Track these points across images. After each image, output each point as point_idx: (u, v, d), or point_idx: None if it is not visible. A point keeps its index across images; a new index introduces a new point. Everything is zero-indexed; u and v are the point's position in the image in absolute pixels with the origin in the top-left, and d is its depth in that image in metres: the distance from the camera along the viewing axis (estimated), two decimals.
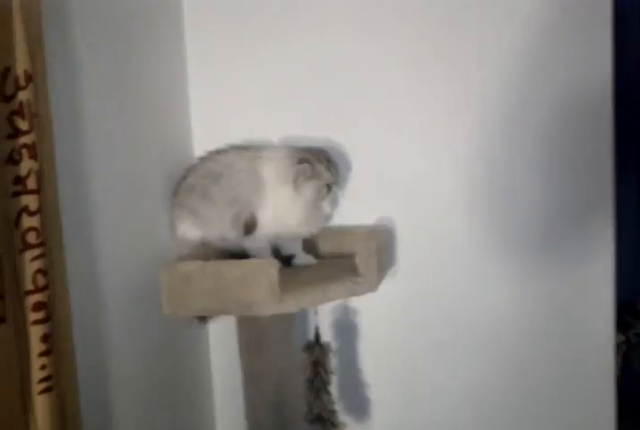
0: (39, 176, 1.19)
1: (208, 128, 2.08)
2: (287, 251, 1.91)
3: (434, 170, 2.03)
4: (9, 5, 1.14)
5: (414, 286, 2.07)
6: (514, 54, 1.97)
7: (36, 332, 1.20)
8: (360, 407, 2.15)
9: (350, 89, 2.02)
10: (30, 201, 1.18)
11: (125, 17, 1.72)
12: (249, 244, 1.83)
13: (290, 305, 1.64)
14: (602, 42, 1.95)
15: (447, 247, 2.05)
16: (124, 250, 1.66)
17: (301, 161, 1.79)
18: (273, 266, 1.61)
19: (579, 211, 2.02)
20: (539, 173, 2.02)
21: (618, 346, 2.32)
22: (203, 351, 2.13)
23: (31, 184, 1.18)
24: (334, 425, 1.90)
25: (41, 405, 1.21)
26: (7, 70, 1.13)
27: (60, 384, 1.25)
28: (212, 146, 1.92)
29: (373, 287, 1.79)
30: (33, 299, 1.20)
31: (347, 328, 2.11)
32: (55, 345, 1.24)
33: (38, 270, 1.20)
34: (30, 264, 1.19)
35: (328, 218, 1.88)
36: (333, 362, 1.94)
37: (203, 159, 1.90)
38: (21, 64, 1.15)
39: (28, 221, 1.18)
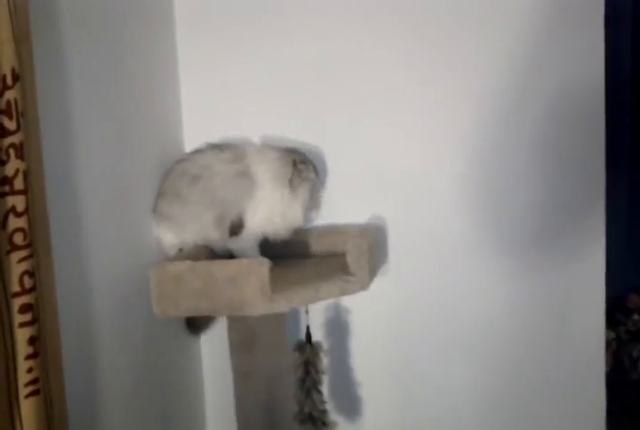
0: (27, 176, 1.17)
1: (199, 128, 2.06)
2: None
3: (427, 169, 2.03)
4: None
5: (406, 284, 2.07)
6: (510, 54, 1.97)
7: (22, 335, 1.18)
8: (352, 406, 2.15)
9: (343, 87, 2.02)
10: (18, 201, 1.16)
11: (115, 15, 1.70)
12: (236, 244, 1.83)
13: (281, 305, 1.63)
14: (595, 44, 1.96)
15: (440, 246, 2.05)
16: (112, 251, 1.65)
17: (296, 163, 1.82)
18: (264, 266, 1.60)
19: (571, 210, 2.03)
20: (532, 172, 2.02)
21: (609, 342, 2.34)
22: (193, 351, 2.12)
23: (18, 184, 1.16)
24: (325, 424, 1.90)
25: (28, 408, 1.19)
26: None
27: (47, 387, 1.24)
28: (202, 143, 1.91)
29: (364, 285, 1.78)
30: (20, 301, 1.18)
31: (338, 327, 2.11)
32: (41, 348, 1.22)
33: (25, 272, 1.18)
34: (17, 266, 1.17)
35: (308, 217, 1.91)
36: (325, 361, 1.93)
37: (177, 162, 1.89)
38: (8, 63, 1.12)
39: (15, 222, 1.16)
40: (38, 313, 1.21)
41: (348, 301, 2.07)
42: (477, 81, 1.98)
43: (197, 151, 1.91)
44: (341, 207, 2.04)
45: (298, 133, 2.01)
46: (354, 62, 2.00)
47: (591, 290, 2.05)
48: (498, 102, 1.99)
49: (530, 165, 2.01)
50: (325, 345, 1.97)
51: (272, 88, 2.03)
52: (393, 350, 2.12)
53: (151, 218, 1.86)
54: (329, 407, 1.94)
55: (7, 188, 1.15)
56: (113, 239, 1.65)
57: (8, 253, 1.16)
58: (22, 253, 1.18)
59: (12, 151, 1.15)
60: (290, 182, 1.81)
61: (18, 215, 1.17)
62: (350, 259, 1.77)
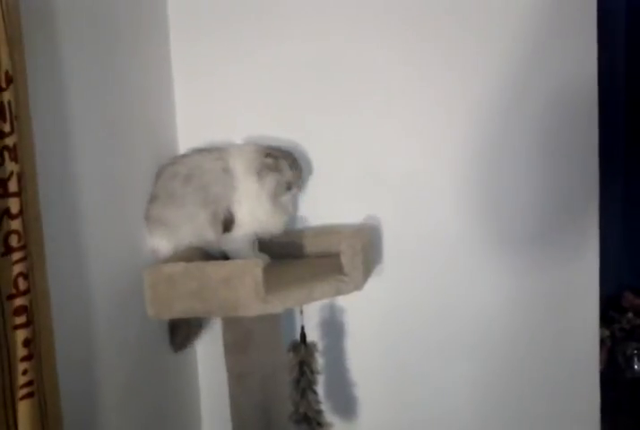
0: (21, 178, 1.17)
1: (193, 130, 2.06)
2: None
3: (423, 169, 2.03)
4: None
5: (400, 285, 2.07)
6: (507, 55, 1.98)
7: (18, 337, 1.18)
8: (347, 407, 2.15)
9: (338, 87, 2.02)
10: (12, 203, 1.16)
11: (109, 16, 1.70)
12: (229, 245, 1.83)
13: (276, 306, 1.63)
14: (588, 45, 1.97)
15: (434, 246, 2.06)
16: (107, 252, 1.64)
17: (267, 155, 1.82)
18: (258, 266, 1.60)
19: (565, 210, 2.04)
20: (528, 172, 2.02)
21: (603, 340, 2.34)
22: (188, 352, 2.11)
23: (13, 186, 1.16)
24: (320, 425, 1.90)
25: (22, 411, 1.19)
26: None
27: (41, 390, 1.23)
28: (196, 145, 1.91)
29: (359, 286, 1.78)
30: (15, 303, 1.18)
31: (333, 327, 2.11)
32: (36, 350, 1.22)
33: (20, 274, 1.18)
34: (12, 268, 1.17)
35: (289, 219, 1.89)
36: (320, 362, 1.94)
37: (165, 166, 1.89)
38: (1, 66, 1.12)
39: (9, 224, 1.16)
40: (32, 316, 1.21)
41: (342, 301, 2.08)
42: (475, 81, 1.99)
43: (184, 155, 1.93)
44: (335, 207, 2.05)
45: (294, 134, 2.02)
46: (350, 62, 2.00)
47: (585, 289, 2.05)
48: (496, 102, 1.99)
49: (525, 164, 2.02)
50: (320, 345, 1.97)
51: (267, 88, 2.03)
52: (388, 350, 2.12)
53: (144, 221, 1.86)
54: (324, 407, 1.95)
55: (1, 190, 1.15)
56: (108, 241, 1.65)
57: (3, 255, 1.16)
58: (17, 255, 1.18)
59: (6, 154, 1.15)
60: (258, 173, 1.81)
61: (12, 217, 1.17)
62: (344, 259, 1.77)
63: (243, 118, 2.03)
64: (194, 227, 1.83)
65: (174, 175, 1.85)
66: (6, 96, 1.14)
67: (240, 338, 1.77)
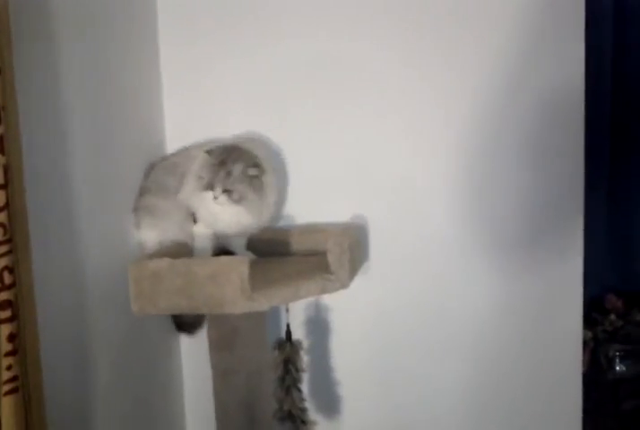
0: (7, 170, 1.16)
1: (180, 127, 2.06)
2: (231, 248, 1.90)
3: (411, 169, 2.04)
4: None
5: (387, 283, 2.08)
6: (499, 57, 1.99)
7: (2, 331, 1.17)
8: (331, 405, 2.14)
9: (327, 86, 2.02)
10: None
11: (99, 13, 1.69)
12: (197, 238, 1.83)
13: (261, 303, 1.62)
14: (575, 48, 1.98)
15: (420, 245, 2.06)
16: (94, 247, 1.64)
17: (206, 151, 1.77)
18: (244, 264, 1.59)
19: (549, 212, 2.04)
20: (513, 173, 2.03)
21: (586, 342, 2.35)
22: (173, 348, 2.12)
23: None
24: (304, 422, 1.91)
25: (6, 407, 1.18)
26: None
27: (25, 385, 1.22)
28: (184, 143, 1.91)
29: (345, 284, 1.77)
30: (0, 297, 1.17)
31: (319, 325, 2.11)
32: (21, 345, 1.21)
33: (5, 268, 1.17)
34: None
35: (228, 223, 1.81)
36: (305, 360, 1.94)
37: (157, 161, 1.91)
38: None
39: None
40: (17, 310, 1.20)
41: (328, 300, 2.07)
42: (466, 82, 1.99)
43: (178, 150, 1.93)
44: (323, 205, 2.05)
45: (284, 132, 2.02)
46: (344, 61, 2.00)
47: (569, 290, 2.06)
48: (485, 103, 2.00)
49: (514, 166, 2.02)
50: (305, 343, 1.97)
51: (257, 87, 2.03)
52: (373, 349, 2.12)
53: (132, 214, 1.85)
54: (309, 405, 1.95)
55: None
56: (95, 235, 1.64)
57: None
58: (2, 249, 1.17)
59: None
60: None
61: None
62: (330, 257, 1.77)
63: (231, 116, 2.03)
64: (179, 216, 1.82)
65: (165, 166, 1.87)
66: None
67: (225, 335, 1.76)
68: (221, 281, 1.58)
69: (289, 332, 1.90)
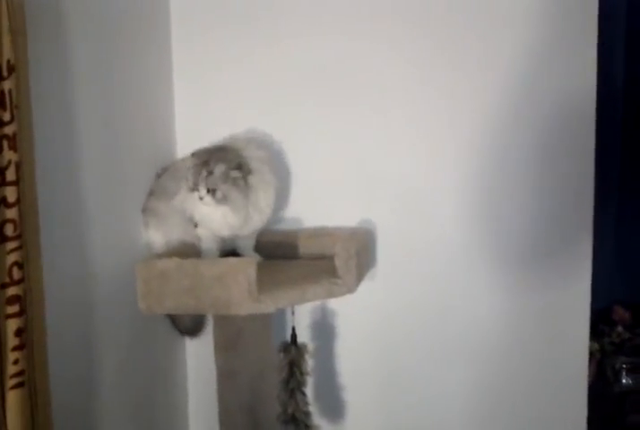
0: (19, 167, 1.18)
1: (191, 127, 2.07)
2: (239, 250, 1.90)
3: (420, 175, 2.04)
4: None
5: (393, 289, 2.08)
6: (509, 66, 1.99)
7: (10, 326, 1.19)
8: (335, 409, 2.14)
9: (339, 89, 2.03)
10: (9, 192, 1.17)
11: (113, 11, 1.71)
12: (201, 241, 1.83)
13: (268, 305, 1.63)
14: (588, 58, 1.97)
15: (428, 251, 2.06)
16: (103, 244, 1.65)
17: (192, 153, 1.76)
18: (252, 265, 1.60)
19: (559, 223, 2.04)
20: (524, 184, 2.03)
21: (592, 354, 2.34)
22: (178, 349, 2.12)
23: (10, 175, 1.17)
24: (308, 426, 1.90)
25: (12, 400, 1.19)
26: None
27: (32, 380, 1.24)
28: (194, 145, 1.91)
29: (351, 288, 1.77)
30: (8, 292, 1.18)
31: (324, 329, 2.11)
32: (28, 340, 1.22)
33: (15, 263, 1.19)
34: (7, 257, 1.18)
35: (218, 224, 1.79)
36: (310, 363, 1.93)
37: (167, 165, 1.93)
38: (4, 55, 1.13)
39: (6, 213, 1.17)
40: (25, 305, 1.21)
41: (334, 304, 2.08)
42: (475, 86, 2.00)
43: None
44: (331, 209, 2.05)
45: (293, 135, 2.03)
46: (352, 63, 2.01)
47: (576, 301, 2.06)
48: (494, 109, 2.00)
49: (523, 179, 2.02)
50: (311, 347, 1.96)
51: (266, 89, 2.04)
52: (378, 354, 2.12)
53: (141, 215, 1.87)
54: (312, 409, 1.95)
55: None
56: (105, 233, 1.66)
57: None
58: (12, 245, 1.18)
59: (5, 142, 1.16)
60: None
61: (9, 206, 1.18)
62: (338, 262, 1.77)
63: (241, 118, 2.03)
64: (180, 219, 1.83)
65: (169, 171, 1.89)
66: (7, 85, 1.15)
67: (231, 336, 1.77)
68: (228, 282, 1.59)
69: (294, 335, 1.90)
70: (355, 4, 2.00)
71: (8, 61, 1.14)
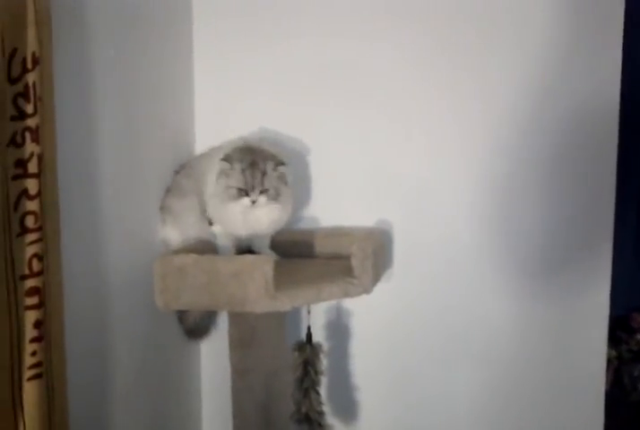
0: (41, 159, 1.19)
1: (211, 122, 2.08)
2: (255, 248, 1.89)
3: (438, 177, 2.04)
4: None
5: (409, 290, 2.07)
6: (527, 69, 1.98)
7: (29, 318, 1.19)
8: (348, 410, 2.14)
9: (357, 90, 2.03)
10: (31, 184, 1.18)
11: (136, 8, 1.72)
12: (218, 238, 1.83)
13: (284, 303, 1.63)
14: (612, 63, 1.96)
15: (445, 254, 2.06)
16: (122, 240, 1.66)
17: (224, 159, 1.75)
18: (269, 263, 1.60)
19: (579, 228, 2.03)
20: (543, 189, 2.02)
21: (610, 361, 2.33)
22: (193, 346, 2.12)
23: (32, 167, 1.18)
24: (321, 426, 1.89)
25: (29, 391, 1.20)
26: (15, 51, 1.13)
27: (49, 371, 1.24)
28: (213, 139, 1.93)
29: (367, 289, 1.77)
30: (28, 284, 1.19)
31: (339, 329, 2.11)
32: (46, 332, 1.23)
33: (35, 255, 1.19)
34: (27, 248, 1.18)
35: (263, 224, 1.80)
36: (324, 363, 1.93)
37: (185, 163, 1.94)
38: (29, 47, 1.14)
39: (27, 205, 1.18)
40: (44, 297, 1.22)
41: (350, 304, 2.08)
42: (494, 91, 1.99)
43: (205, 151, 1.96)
44: (347, 209, 2.06)
45: (309, 134, 2.04)
46: (370, 66, 2.01)
47: (595, 308, 2.05)
48: (513, 115, 1.99)
49: (541, 182, 2.02)
50: (325, 347, 1.96)
51: (286, 89, 2.04)
52: (392, 355, 2.12)
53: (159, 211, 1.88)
54: (326, 409, 1.94)
55: (21, 171, 1.17)
56: (123, 228, 1.67)
57: (19, 235, 1.17)
58: (33, 237, 1.19)
59: (27, 134, 1.17)
60: (217, 175, 1.75)
61: (30, 198, 1.18)
62: (354, 262, 1.77)
63: (260, 117, 2.04)
64: (194, 217, 1.84)
65: (185, 168, 1.90)
66: (31, 77, 1.15)
67: (246, 334, 1.77)
68: (245, 280, 1.59)
69: (309, 334, 1.90)
70: (376, 3, 2.00)
71: (33, 53, 1.14)
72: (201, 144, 2.05)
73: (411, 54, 2.00)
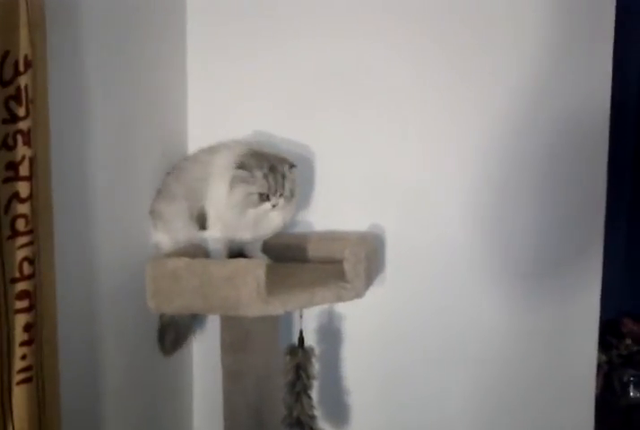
0: (32, 163, 1.18)
1: (203, 123, 2.07)
2: (246, 251, 1.89)
3: (432, 182, 2.04)
4: None
5: (402, 295, 2.07)
6: (521, 75, 1.99)
7: (19, 321, 1.19)
8: (339, 414, 2.14)
9: (351, 94, 2.02)
10: (22, 187, 1.17)
11: (129, 10, 1.72)
12: (208, 243, 1.81)
13: (276, 307, 1.63)
14: (603, 70, 1.97)
15: (437, 259, 2.06)
16: (114, 243, 1.66)
17: (240, 166, 1.74)
18: (261, 267, 1.60)
19: (569, 233, 2.03)
20: (535, 194, 2.03)
21: (600, 365, 2.33)
22: (185, 349, 2.11)
23: (24, 170, 1.17)
24: None
25: (19, 395, 1.19)
26: (7, 54, 1.12)
27: (40, 375, 1.24)
28: (206, 142, 1.92)
29: (360, 293, 1.77)
30: (18, 287, 1.18)
31: (331, 334, 2.11)
32: (37, 335, 1.22)
33: (25, 259, 1.19)
34: (18, 252, 1.18)
35: (274, 226, 1.82)
36: (316, 367, 1.93)
37: (175, 164, 1.91)
38: (21, 50, 1.14)
39: (18, 208, 1.17)
40: (35, 301, 1.21)
41: (342, 308, 2.07)
42: (487, 94, 1.99)
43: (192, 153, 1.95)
44: (341, 213, 2.05)
45: (303, 137, 2.03)
46: (364, 70, 2.01)
47: (585, 313, 2.05)
48: (507, 116, 2.00)
49: (533, 184, 2.02)
50: (317, 351, 1.96)
51: (280, 93, 2.04)
52: (384, 360, 2.11)
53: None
54: (317, 413, 1.94)
55: (12, 174, 1.16)
56: (116, 231, 1.67)
57: (9, 238, 1.17)
58: (23, 240, 1.18)
59: (19, 137, 1.16)
60: (230, 182, 1.75)
61: (21, 201, 1.17)
62: (347, 266, 1.76)
63: (253, 120, 2.04)
64: (183, 222, 1.82)
65: (174, 171, 1.87)
66: (24, 80, 1.15)
67: (238, 337, 1.76)
68: (238, 283, 1.59)
69: (301, 338, 1.90)
70: (372, 5, 2.00)
71: (25, 56, 1.14)
72: (194, 147, 2.03)
73: (406, 55, 2.00)
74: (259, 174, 1.73)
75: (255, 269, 1.60)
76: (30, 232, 1.19)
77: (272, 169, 1.74)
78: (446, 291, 2.06)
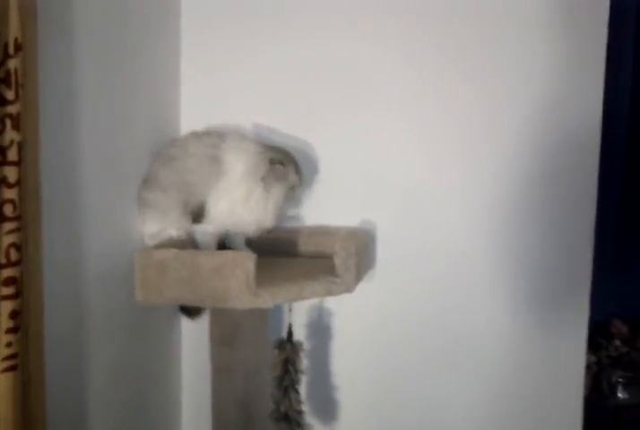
0: (21, 147, 1.17)
1: (196, 113, 2.06)
2: (231, 244, 1.88)
3: (425, 179, 2.03)
4: None
5: (391, 291, 2.07)
6: (516, 80, 1.99)
7: (4, 308, 1.17)
8: (327, 409, 2.13)
9: (346, 89, 2.02)
10: (10, 172, 1.16)
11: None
12: (196, 236, 1.80)
13: (265, 300, 1.62)
14: (594, 88, 1.98)
15: (428, 254, 2.05)
16: (102, 231, 1.64)
17: (274, 162, 1.76)
18: (251, 259, 1.59)
19: (559, 234, 2.03)
20: (529, 195, 2.03)
21: (589, 366, 2.33)
22: (174, 342, 2.11)
23: (12, 155, 1.16)
24: (300, 425, 1.89)
25: (4, 383, 1.18)
26: None
27: (26, 363, 1.22)
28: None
29: (350, 288, 1.77)
30: (5, 273, 1.17)
31: (321, 329, 2.10)
32: (23, 322, 1.21)
33: (12, 244, 1.17)
34: (4, 238, 1.16)
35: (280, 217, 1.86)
36: (304, 362, 1.92)
37: (161, 149, 1.86)
38: (11, 32, 1.13)
39: (5, 193, 1.16)
40: (21, 287, 1.20)
41: (332, 304, 2.07)
42: (488, 97, 2.00)
43: (179, 137, 1.93)
44: (332, 208, 2.04)
45: (299, 132, 2.02)
46: (360, 67, 2.01)
47: (575, 314, 2.05)
48: (507, 121, 2.00)
49: (524, 187, 2.02)
50: (306, 346, 1.95)
51: (274, 85, 2.03)
52: (373, 355, 2.11)
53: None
54: (305, 408, 1.94)
55: (0, 158, 1.15)
56: (105, 219, 1.65)
57: None
58: (11, 225, 1.17)
59: (8, 121, 1.15)
60: (264, 180, 1.75)
61: (9, 186, 1.16)
62: (337, 260, 1.76)
63: (246, 114, 2.02)
64: (172, 212, 1.79)
65: (161, 156, 1.83)
66: (13, 63, 1.14)
67: (227, 331, 1.76)
68: (226, 275, 1.59)
69: (290, 332, 1.90)
70: (373, 4, 2.00)
71: (15, 39, 1.13)
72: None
73: (407, 54, 2.00)
74: (292, 168, 1.79)
75: (245, 261, 1.59)
76: (17, 218, 1.18)
77: (297, 164, 1.81)
78: (436, 288, 2.06)
